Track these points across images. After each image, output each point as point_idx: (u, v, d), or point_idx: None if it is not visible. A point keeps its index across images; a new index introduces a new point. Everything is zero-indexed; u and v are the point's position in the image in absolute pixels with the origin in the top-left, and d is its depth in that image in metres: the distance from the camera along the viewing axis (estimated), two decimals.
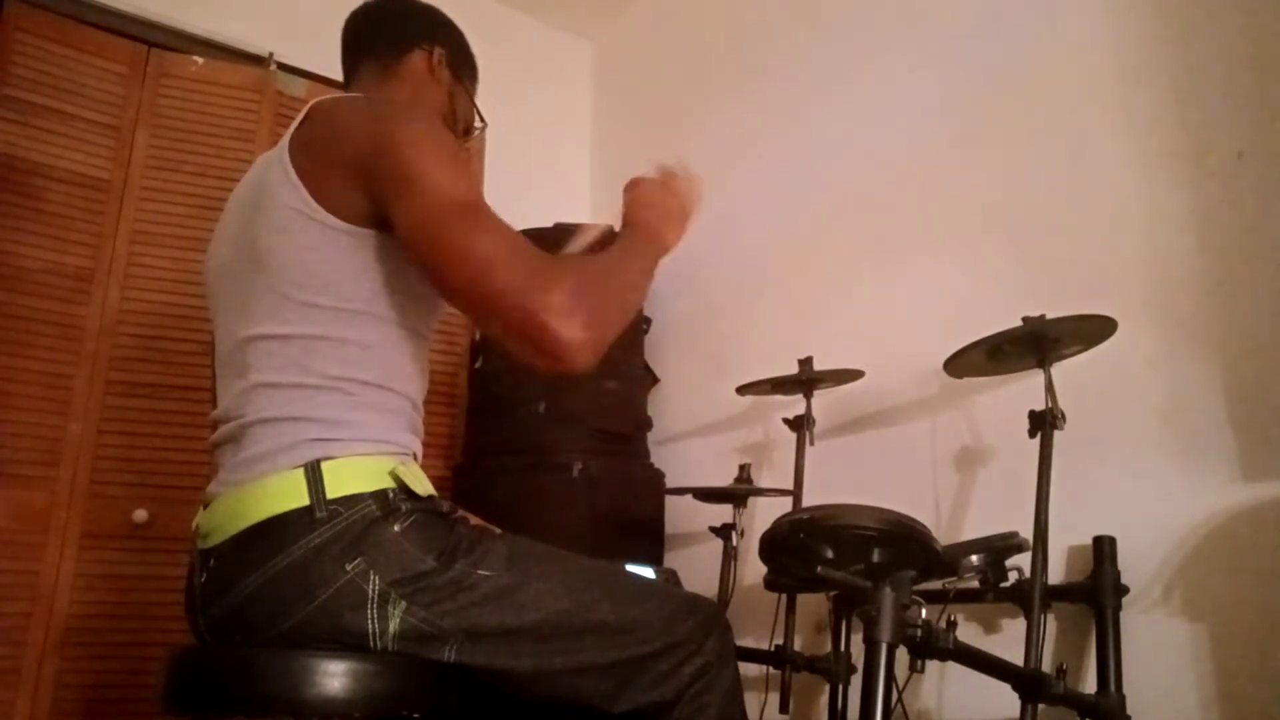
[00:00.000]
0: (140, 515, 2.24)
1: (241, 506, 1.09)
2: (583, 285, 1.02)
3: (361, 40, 1.42)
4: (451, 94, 1.44)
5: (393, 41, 1.40)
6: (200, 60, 2.58)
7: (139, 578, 2.22)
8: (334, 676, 1.01)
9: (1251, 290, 1.57)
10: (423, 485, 1.14)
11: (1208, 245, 1.63)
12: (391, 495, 1.10)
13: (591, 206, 3.35)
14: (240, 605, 1.08)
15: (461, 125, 1.47)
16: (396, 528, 1.07)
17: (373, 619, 1.05)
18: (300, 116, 1.19)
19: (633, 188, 1.32)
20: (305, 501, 1.06)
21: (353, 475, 1.09)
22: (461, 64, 1.47)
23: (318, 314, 1.11)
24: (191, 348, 2.38)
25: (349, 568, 1.04)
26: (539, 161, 3.26)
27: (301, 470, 1.07)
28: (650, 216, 1.26)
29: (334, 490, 1.07)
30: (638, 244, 1.22)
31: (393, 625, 1.05)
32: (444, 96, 1.43)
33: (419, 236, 1.07)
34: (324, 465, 1.08)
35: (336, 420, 1.11)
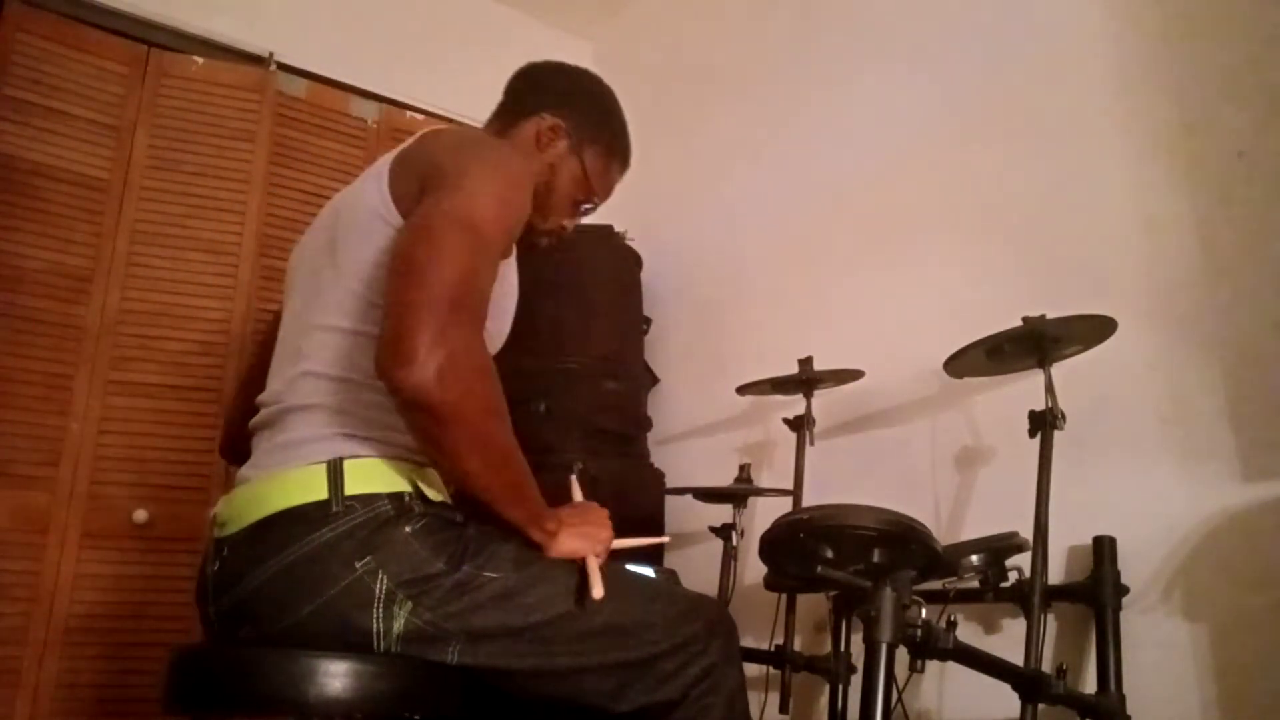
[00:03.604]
0: (140, 515, 2.24)
1: (260, 497, 1.11)
2: (465, 380, 0.98)
3: (505, 95, 1.46)
4: (556, 165, 1.38)
5: (515, 105, 1.42)
6: (200, 60, 2.58)
7: (139, 578, 2.22)
8: (336, 677, 1.02)
9: (1251, 290, 1.57)
10: (438, 492, 1.16)
11: (1208, 245, 1.63)
12: (407, 498, 1.10)
13: None
14: (249, 597, 1.08)
15: (565, 199, 1.40)
16: (408, 529, 1.08)
17: (378, 618, 1.05)
18: (414, 136, 1.25)
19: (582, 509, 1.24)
20: (323, 496, 1.07)
21: (372, 475, 1.10)
22: (588, 140, 1.39)
23: (378, 314, 1.10)
24: (192, 348, 2.38)
25: (358, 566, 1.05)
26: None
27: (324, 466, 1.08)
28: (568, 514, 1.18)
29: (352, 487, 1.08)
30: (531, 497, 1.12)
31: (397, 626, 1.05)
32: (544, 166, 1.37)
33: (412, 222, 1.08)
34: (346, 463, 1.09)
35: (369, 419, 1.13)
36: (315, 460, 1.09)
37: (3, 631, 2.06)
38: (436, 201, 1.08)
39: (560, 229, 1.42)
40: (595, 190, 1.43)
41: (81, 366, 2.26)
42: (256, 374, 1.35)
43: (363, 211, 1.18)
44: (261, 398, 1.24)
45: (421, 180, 1.13)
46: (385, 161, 1.22)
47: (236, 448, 1.36)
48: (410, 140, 1.25)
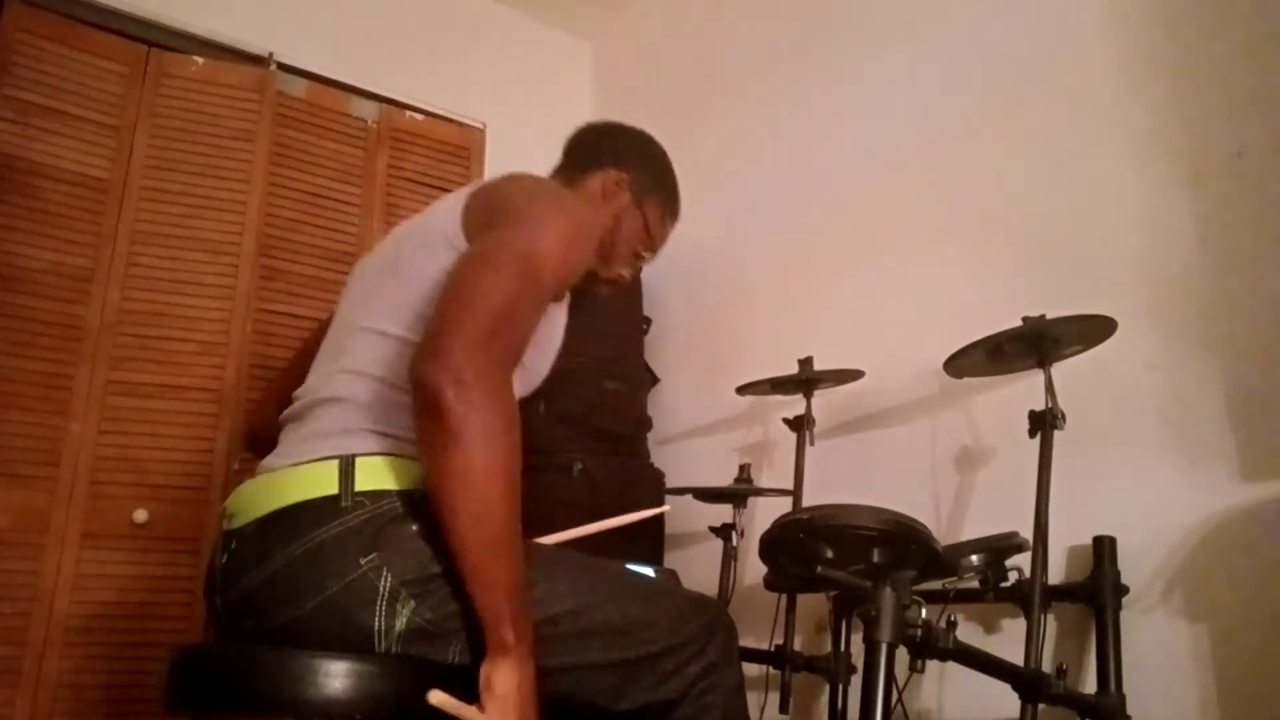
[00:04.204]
0: (140, 515, 2.24)
1: (270, 491, 1.11)
2: (482, 404, 0.97)
3: (566, 152, 1.54)
4: (620, 217, 1.45)
5: (582, 160, 1.49)
6: (200, 60, 2.58)
7: (139, 578, 2.22)
8: (336, 677, 1.01)
9: (1251, 290, 1.57)
10: None
11: (1208, 245, 1.63)
12: (417, 496, 1.10)
13: None
14: (254, 590, 1.08)
15: (626, 248, 1.47)
16: (415, 527, 1.08)
17: (380, 615, 1.05)
18: (498, 176, 1.30)
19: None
20: (333, 490, 1.07)
21: (384, 472, 1.10)
22: (649, 193, 1.47)
23: (424, 325, 1.11)
24: (192, 348, 2.38)
25: (363, 562, 1.05)
26: (539, 161, 3.24)
27: (337, 461, 1.09)
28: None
29: (363, 484, 1.08)
30: (505, 581, 1.01)
31: (399, 624, 1.05)
32: (609, 217, 1.45)
33: (474, 247, 1.13)
34: (359, 460, 1.10)
35: (392, 419, 1.14)
36: (330, 455, 1.10)
37: (3, 631, 2.06)
38: (501, 233, 1.12)
39: (620, 278, 1.49)
40: (655, 240, 1.51)
41: (81, 366, 2.26)
42: (291, 371, 1.39)
43: (433, 232, 1.23)
44: (297, 391, 1.26)
45: (492, 214, 1.18)
46: (464, 190, 1.27)
47: (259, 436, 1.41)
48: (493, 178, 1.31)
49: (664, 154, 1.55)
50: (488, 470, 0.98)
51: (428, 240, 1.23)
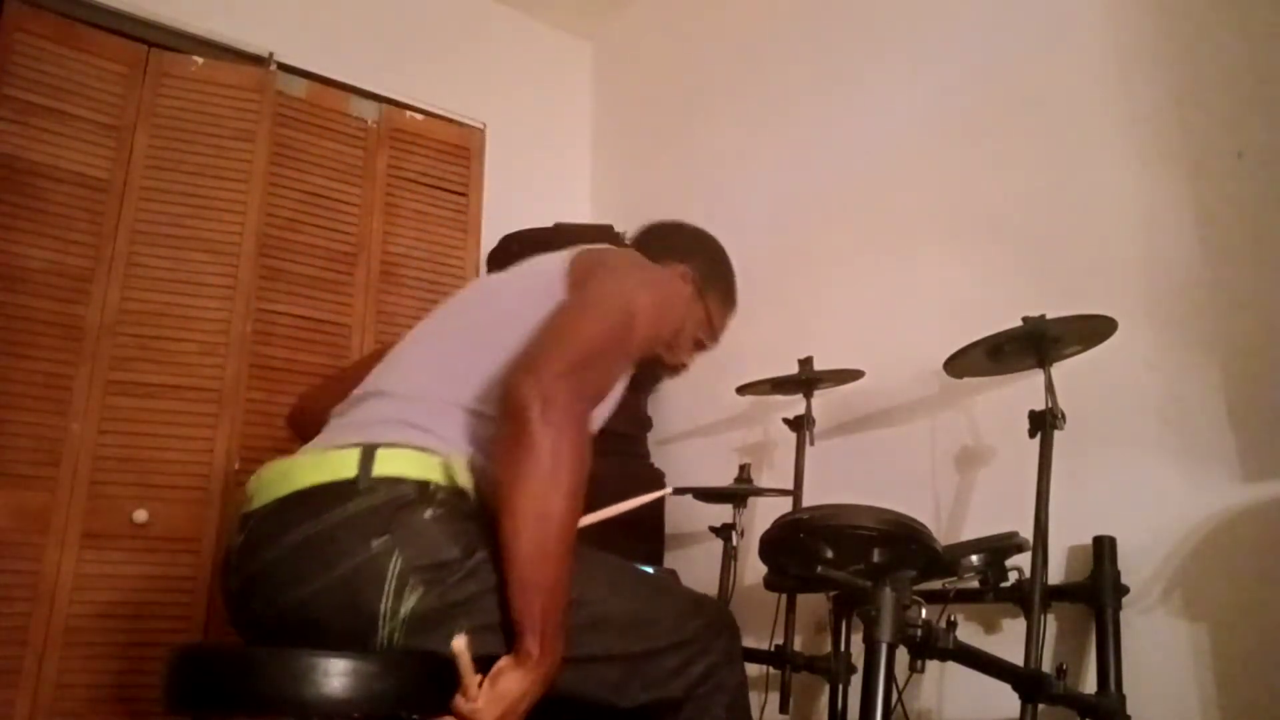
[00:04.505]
0: (140, 515, 2.23)
1: (290, 473, 1.14)
2: (562, 429, 1.06)
3: (633, 244, 1.62)
4: (687, 307, 1.53)
5: (650, 250, 1.55)
6: (200, 60, 2.58)
7: (139, 578, 2.22)
8: (336, 676, 1.01)
9: (1251, 290, 1.57)
10: (466, 480, 1.17)
11: (1208, 245, 1.63)
12: (431, 485, 1.12)
13: (591, 207, 3.34)
14: (265, 568, 1.10)
15: (689, 338, 1.56)
16: (428, 514, 1.09)
17: (388, 598, 1.05)
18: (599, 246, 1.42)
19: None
20: (351, 474, 1.09)
21: (402, 461, 1.12)
22: (709, 286, 1.57)
23: (487, 351, 1.20)
24: (192, 348, 2.38)
25: (374, 544, 1.06)
26: (539, 161, 3.26)
27: (359, 449, 1.12)
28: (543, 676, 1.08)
29: (381, 469, 1.10)
30: (543, 602, 1.05)
31: (405, 608, 1.06)
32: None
33: (578, 294, 1.22)
34: (380, 449, 1.12)
35: (427, 418, 1.17)
36: (356, 443, 1.13)
37: (3, 631, 2.06)
38: (606, 286, 1.22)
39: (681, 365, 1.57)
40: (716, 330, 1.60)
41: (81, 366, 2.26)
42: (361, 368, 1.43)
43: (533, 277, 1.31)
44: (359, 387, 1.30)
45: (595, 271, 1.26)
46: (568, 251, 1.35)
47: (300, 423, 1.47)
48: (598, 246, 1.41)
49: (723, 249, 1.64)
50: (554, 486, 1.05)
51: (524, 283, 1.31)
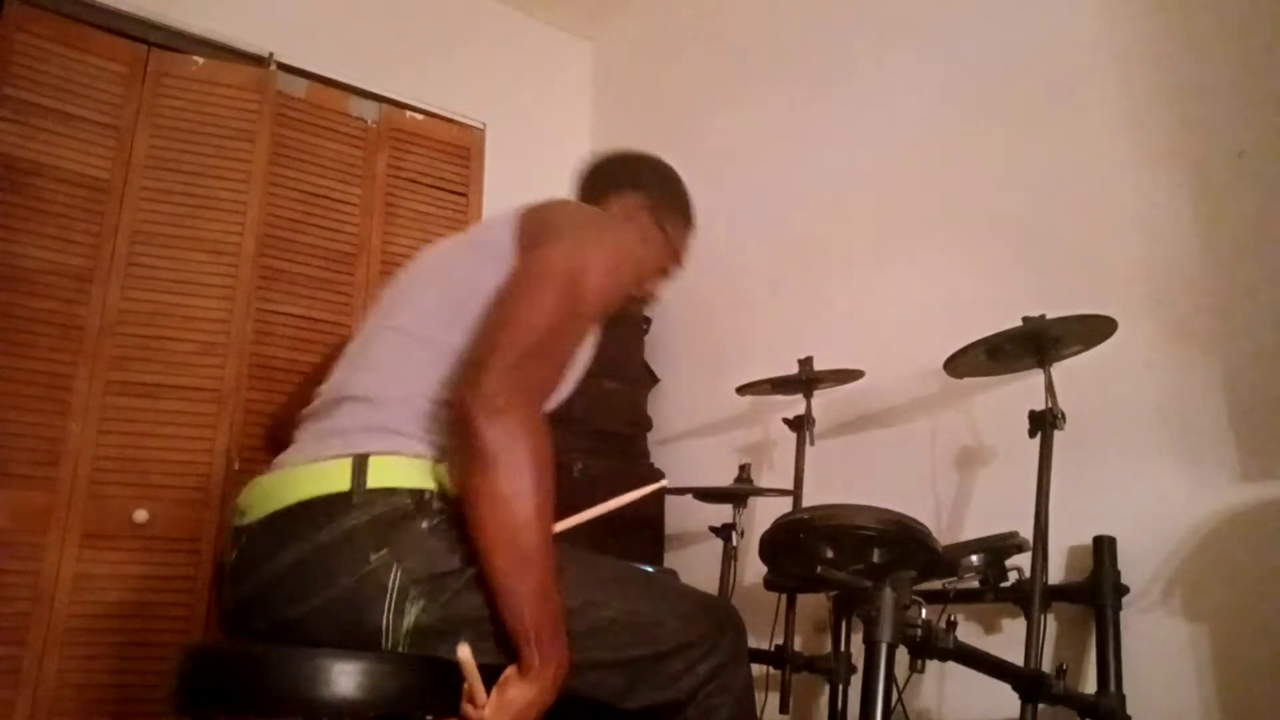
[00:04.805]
0: (140, 515, 2.23)
1: (282, 487, 1.12)
2: (523, 435, 1.03)
3: (580, 185, 1.57)
4: (645, 238, 1.50)
5: (598, 188, 1.52)
6: (200, 60, 2.58)
7: (139, 578, 2.22)
8: (344, 676, 1.01)
9: (1251, 290, 1.57)
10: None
11: (1208, 245, 1.63)
12: (427, 495, 1.10)
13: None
14: (263, 586, 1.09)
15: (653, 267, 1.53)
16: (425, 525, 1.08)
17: (389, 612, 1.05)
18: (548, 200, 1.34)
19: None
20: (345, 487, 1.08)
21: (396, 470, 1.11)
22: (665, 212, 1.52)
23: (457, 330, 1.16)
24: (191, 348, 2.38)
25: (373, 558, 1.05)
26: (539, 161, 3.25)
27: (350, 460, 1.10)
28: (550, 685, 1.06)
29: (375, 481, 1.09)
30: (532, 608, 1.04)
31: (407, 621, 1.05)
32: (637, 239, 1.50)
33: (522, 268, 1.16)
34: (372, 459, 1.10)
35: (411, 418, 1.14)
36: (344, 453, 1.11)
37: (3, 631, 2.06)
38: (546, 251, 1.16)
39: (649, 295, 1.55)
40: (679, 254, 1.55)
41: (81, 366, 2.26)
42: (315, 375, 1.40)
43: (483, 245, 1.26)
44: (320, 389, 1.27)
45: (540, 237, 1.21)
46: (514, 209, 1.29)
47: (275, 437, 1.43)
48: (543, 201, 1.33)
49: (673, 171, 1.59)
50: (515, 495, 1.02)
51: (476, 252, 1.26)
